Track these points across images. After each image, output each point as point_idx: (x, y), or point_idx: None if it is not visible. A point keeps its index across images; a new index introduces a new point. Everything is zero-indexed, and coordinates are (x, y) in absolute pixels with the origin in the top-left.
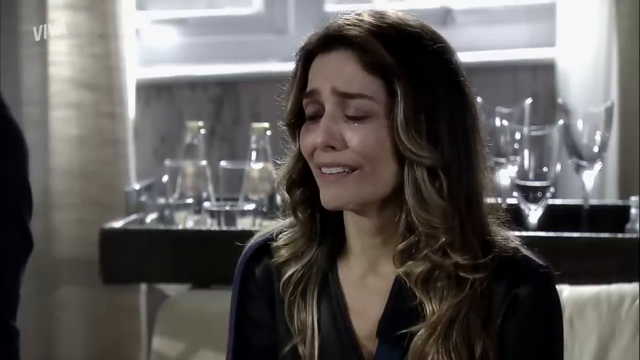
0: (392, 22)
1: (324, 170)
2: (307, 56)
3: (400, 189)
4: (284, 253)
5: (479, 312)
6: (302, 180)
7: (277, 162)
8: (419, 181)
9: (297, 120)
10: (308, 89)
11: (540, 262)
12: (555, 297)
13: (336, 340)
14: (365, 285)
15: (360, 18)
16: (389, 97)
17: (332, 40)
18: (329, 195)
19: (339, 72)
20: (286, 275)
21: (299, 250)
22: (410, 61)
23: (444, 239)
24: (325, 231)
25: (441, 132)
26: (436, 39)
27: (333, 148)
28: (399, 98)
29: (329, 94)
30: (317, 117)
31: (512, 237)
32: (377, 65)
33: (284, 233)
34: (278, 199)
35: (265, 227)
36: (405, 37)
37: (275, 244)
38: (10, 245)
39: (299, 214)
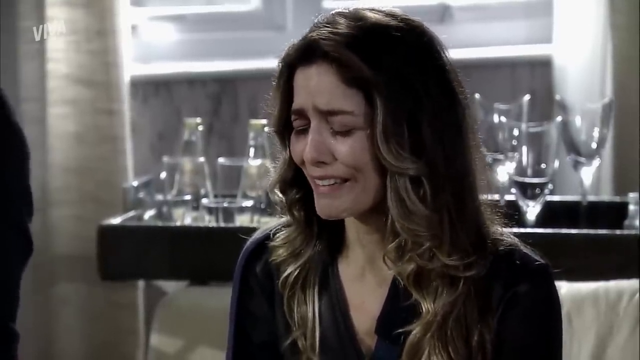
0: (371, 26)
1: (318, 182)
2: (289, 68)
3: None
4: (281, 253)
5: (476, 306)
6: (295, 181)
7: (275, 159)
8: (400, 191)
9: (286, 127)
10: (294, 107)
11: (540, 259)
12: (554, 295)
13: (335, 335)
14: (365, 279)
15: (335, 29)
16: (370, 108)
17: (310, 53)
18: (324, 206)
19: (319, 87)
20: (285, 274)
21: (297, 249)
22: (390, 69)
23: (429, 244)
24: (323, 227)
25: (425, 138)
26: (421, 37)
27: (324, 162)
28: (378, 110)
29: (312, 111)
30: (304, 129)
31: (509, 233)
32: (356, 79)
33: (281, 232)
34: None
35: (263, 223)
36: (384, 42)
37: (272, 243)
38: (11, 249)
39: (295, 213)
